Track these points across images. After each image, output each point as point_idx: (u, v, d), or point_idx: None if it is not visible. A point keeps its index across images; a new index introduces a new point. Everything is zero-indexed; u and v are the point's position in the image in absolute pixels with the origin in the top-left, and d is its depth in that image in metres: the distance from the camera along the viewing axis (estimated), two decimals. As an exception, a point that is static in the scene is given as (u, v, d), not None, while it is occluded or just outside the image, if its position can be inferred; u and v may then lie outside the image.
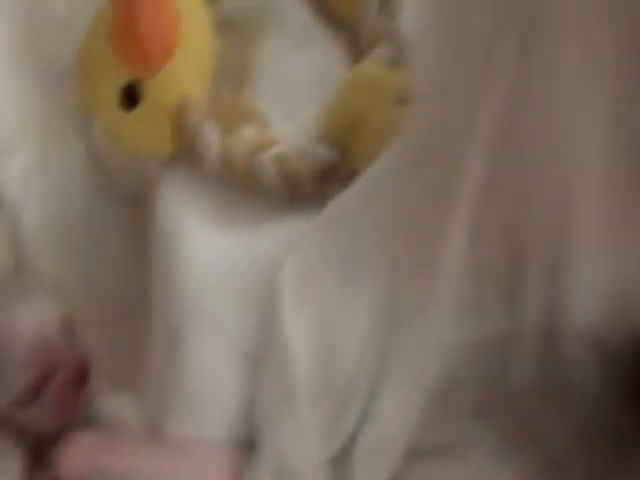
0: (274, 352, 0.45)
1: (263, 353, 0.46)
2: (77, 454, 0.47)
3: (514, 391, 0.42)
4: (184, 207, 0.50)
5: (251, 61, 0.54)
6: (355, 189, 0.47)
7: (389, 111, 0.50)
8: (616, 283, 0.35)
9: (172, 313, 0.49)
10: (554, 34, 0.35)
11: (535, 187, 0.38)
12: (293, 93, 0.54)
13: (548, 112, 0.36)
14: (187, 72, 0.52)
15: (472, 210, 0.41)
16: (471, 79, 0.38)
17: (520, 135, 0.38)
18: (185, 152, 0.51)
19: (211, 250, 0.49)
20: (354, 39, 0.56)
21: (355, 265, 0.45)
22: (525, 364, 0.41)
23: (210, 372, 0.48)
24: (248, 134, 0.51)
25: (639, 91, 0.33)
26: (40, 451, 0.50)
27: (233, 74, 0.55)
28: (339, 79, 0.53)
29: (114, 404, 0.50)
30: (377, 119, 0.50)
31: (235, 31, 0.56)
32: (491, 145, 0.39)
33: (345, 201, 0.47)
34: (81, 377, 0.50)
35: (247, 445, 0.47)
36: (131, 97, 0.53)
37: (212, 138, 0.50)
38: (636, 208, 0.35)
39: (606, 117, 0.34)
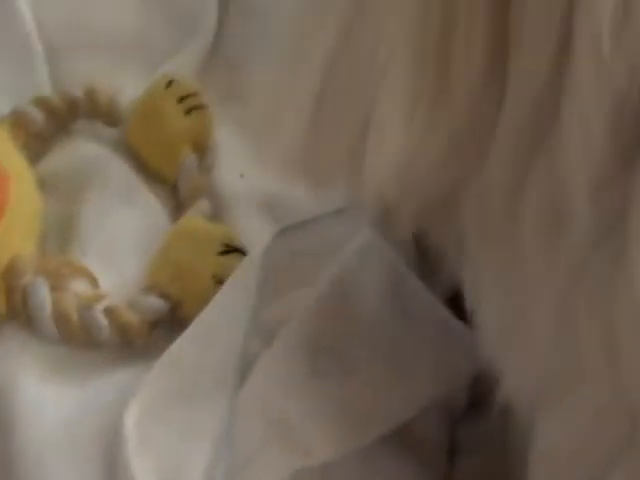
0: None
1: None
2: None
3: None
4: (19, 366, 0.52)
5: (76, 218, 0.57)
6: (186, 337, 0.49)
7: (213, 261, 0.53)
8: None
9: (12, 475, 0.49)
10: None
11: None
12: (118, 247, 0.56)
13: None
14: (16, 232, 0.54)
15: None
16: None
17: None
18: (18, 311, 0.53)
19: (48, 408, 0.50)
20: (174, 195, 0.59)
21: (193, 409, 0.47)
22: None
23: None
24: (78, 290, 0.53)
25: None
26: None
27: (59, 232, 0.57)
28: (162, 232, 0.57)
29: None
30: (202, 269, 0.53)
31: (59, 189, 0.58)
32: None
33: (177, 349, 0.49)
34: None
35: None
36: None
37: (44, 296, 0.52)
38: None
39: None
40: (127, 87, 0.63)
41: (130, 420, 0.47)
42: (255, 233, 0.56)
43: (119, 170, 0.59)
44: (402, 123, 0.33)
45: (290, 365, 0.48)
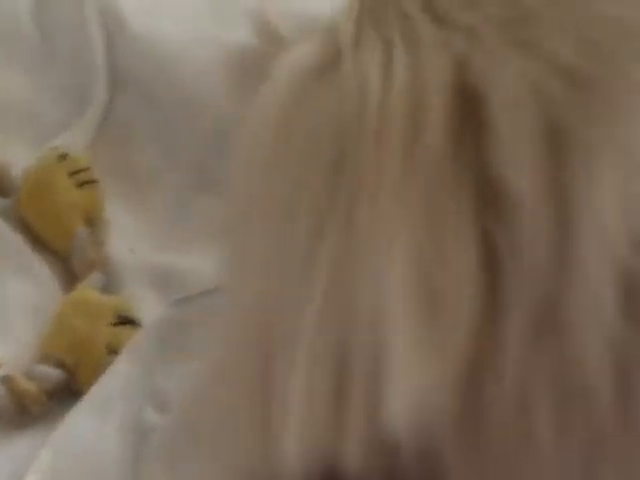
0: None
1: None
2: None
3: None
4: None
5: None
6: (81, 408, 0.51)
7: (107, 332, 0.55)
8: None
9: None
10: None
11: None
12: (12, 317, 0.58)
13: None
14: None
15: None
16: None
17: None
18: None
19: None
20: (66, 266, 0.61)
21: None
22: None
23: None
24: (-26, 360, 0.55)
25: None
26: None
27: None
28: (56, 303, 0.58)
29: None
30: (96, 339, 0.55)
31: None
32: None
33: (73, 421, 0.51)
34: None
35: None
36: None
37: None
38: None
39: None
40: (18, 160, 0.65)
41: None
42: (146, 305, 0.59)
43: (11, 240, 0.60)
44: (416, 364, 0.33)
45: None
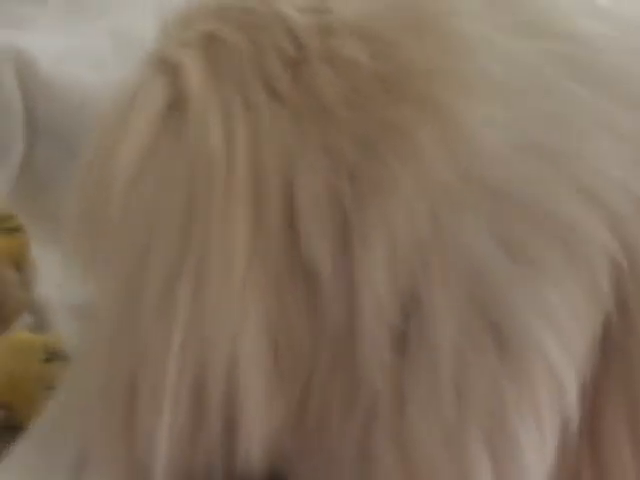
0: None
1: None
2: None
3: None
4: None
5: None
6: (25, 444, 0.55)
7: (39, 369, 0.60)
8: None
9: None
10: None
11: None
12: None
13: None
14: None
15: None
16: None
17: None
18: None
19: None
20: (-2, 312, 0.65)
21: None
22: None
23: None
24: None
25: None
26: None
27: None
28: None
29: None
30: (31, 376, 0.59)
31: None
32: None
33: (16, 456, 0.55)
34: None
35: None
36: None
37: None
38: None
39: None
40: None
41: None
42: (75, 337, 0.63)
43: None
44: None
45: None
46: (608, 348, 0.43)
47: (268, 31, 0.45)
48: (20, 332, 0.62)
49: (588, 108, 0.44)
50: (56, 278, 0.66)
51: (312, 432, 0.44)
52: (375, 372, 0.43)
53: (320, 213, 0.42)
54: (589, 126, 0.44)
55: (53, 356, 0.60)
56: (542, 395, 0.42)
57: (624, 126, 0.44)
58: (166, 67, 0.46)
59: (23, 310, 0.64)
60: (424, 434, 0.43)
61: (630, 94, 0.45)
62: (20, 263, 0.66)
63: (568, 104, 0.44)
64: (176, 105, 0.45)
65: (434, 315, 0.42)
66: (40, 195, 0.70)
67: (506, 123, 0.43)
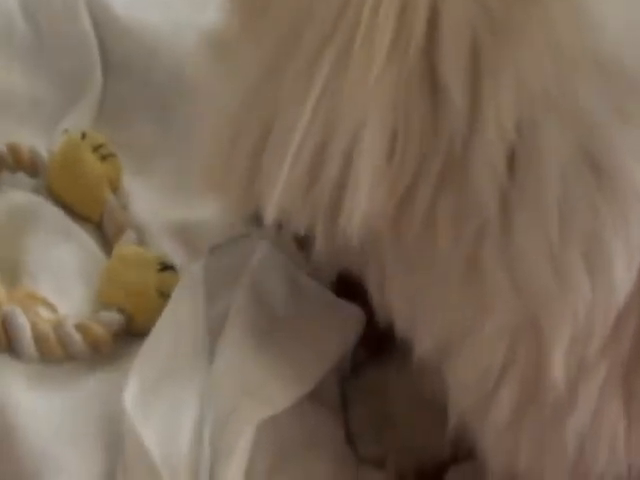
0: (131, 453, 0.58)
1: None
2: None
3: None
4: (6, 385, 0.60)
5: (23, 255, 0.67)
6: (157, 331, 0.61)
7: (155, 278, 0.66)
8: None
9: (22, 474, 0.58)
10: None
11: None
12: (64, 277, 0.68)
13: None
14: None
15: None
16: None
17: None
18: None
19: (40, 413, 0.60)
20: (98, 230, 0.71)
21: (177, 384, 0.59)
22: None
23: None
24: (45, 314, 0.65)
25: None
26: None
27: (8, 271, 0.68)
28: (98, 262, 0.69)
29: None
30: (147, 285, 0.66)
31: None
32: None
33: (153, 341, 0.61)
34: None
35: None
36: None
37: (23, 321, 0.63)
38: None
39: None
40: (30, 144, 0.74)
41: (129, 396, 0.58)
42: (172, 255, 0.69)
43: (51, 212, 0.70)
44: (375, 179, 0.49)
45: (242, 342, 0.62)
46: None
47: None
48: (131, 246, 0.68)
49: None
50: (142, 202, 0.73)
51: (408, 238, 0.51)
52: (486, 190, 0.49)
53: (459, 42, 0.48)
54: None
55: (165, 266, 0.66)
56: (632, 218, 0.49)
57: None
58: None
59: (124, 230, 0.70)
60: (530, 252, 0.49)
61: None
62: (115, 187, 0.72)
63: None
64: None
65: (547, 140, 0.48)
66: (118, 127, 0.76)
67: (627, 5, 0.50)
